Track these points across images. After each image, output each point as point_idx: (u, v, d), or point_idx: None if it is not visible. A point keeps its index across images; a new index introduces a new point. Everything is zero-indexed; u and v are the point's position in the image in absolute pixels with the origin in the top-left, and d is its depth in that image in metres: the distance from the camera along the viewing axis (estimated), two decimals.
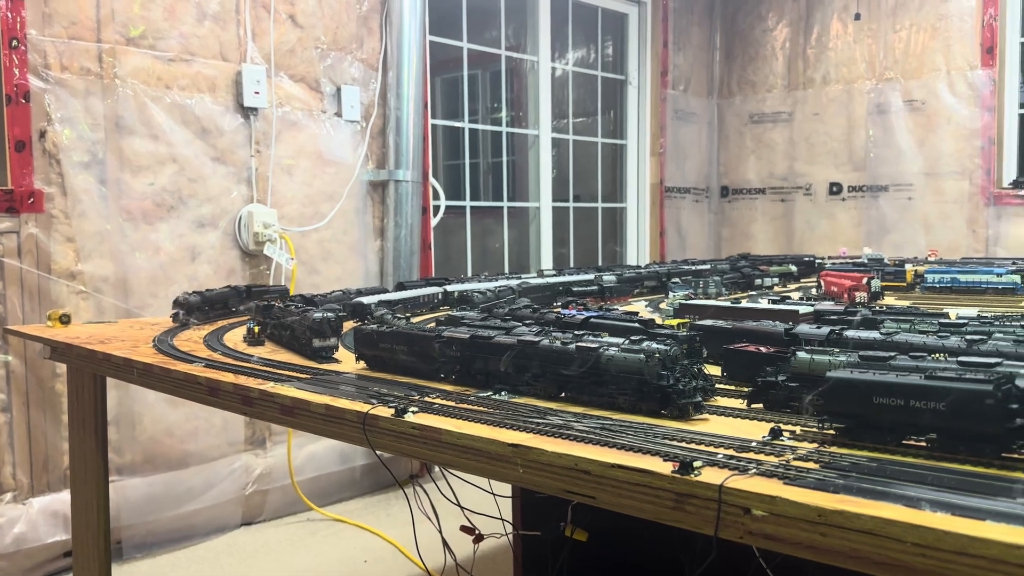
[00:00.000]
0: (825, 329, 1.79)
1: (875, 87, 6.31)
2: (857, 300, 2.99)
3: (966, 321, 1.82)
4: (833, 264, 4.42)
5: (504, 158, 6.00)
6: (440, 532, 2.77)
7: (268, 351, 2.27)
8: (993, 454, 1.19)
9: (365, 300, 2.59)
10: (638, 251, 6.75)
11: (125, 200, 3.94)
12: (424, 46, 5.04)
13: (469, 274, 5.22)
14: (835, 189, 6.56)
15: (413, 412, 1.49)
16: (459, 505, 2.51)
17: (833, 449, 1.28)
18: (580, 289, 3.36)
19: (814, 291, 3.49)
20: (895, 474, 1.13)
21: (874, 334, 1.70)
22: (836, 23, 6.50)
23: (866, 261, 4.33)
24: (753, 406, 1.56)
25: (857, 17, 6.30)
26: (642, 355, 1.52)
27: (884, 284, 3.59)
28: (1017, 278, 3.32)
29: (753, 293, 3.65)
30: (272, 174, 4.43)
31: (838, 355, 1.48)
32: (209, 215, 4.22)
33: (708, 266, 4.17)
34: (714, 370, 1.84)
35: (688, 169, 7.09)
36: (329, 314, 2.04)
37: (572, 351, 1.61)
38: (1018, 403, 1.16)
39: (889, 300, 3.36)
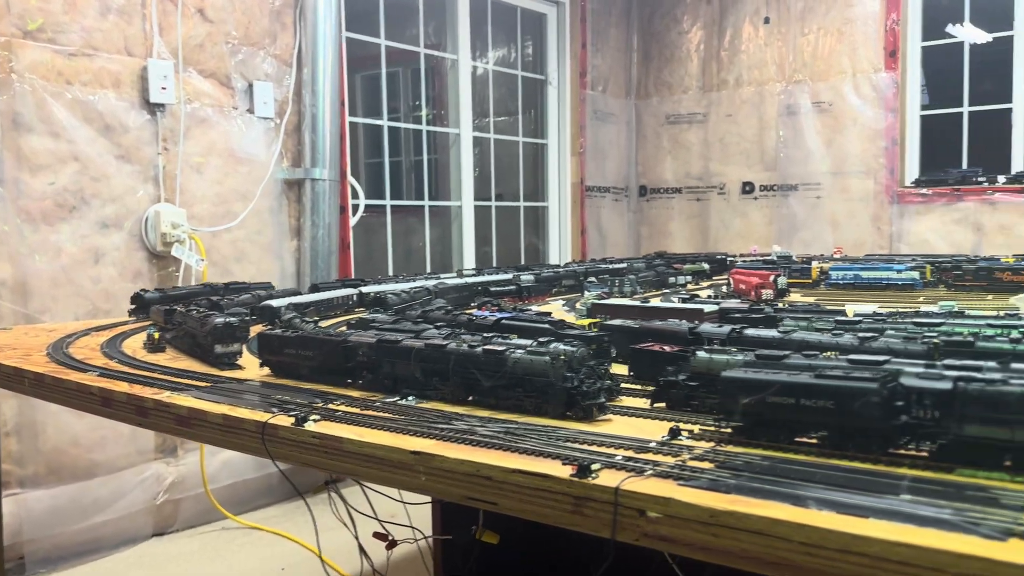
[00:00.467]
0: (727, 328, 1.83)
1: (785, 89, 6.51)
2: (763, 297, 3.07)
3: (860, 319, 1.88)
4: (744, 262, 4.54)
5: (425, 157, 5.96)
6: (356, 538, 2.73)
7: (169, 358, 2.19)
8: (880, 450, 1.23)
9: (274, 303, 2.53)
10: (560, 250, 6.80)
11: (24, 200, 3.75)
12: (340, 42, 4.95)
13: (391, 274, 5.16)
14: (748, 188, 6.74)
15: (314, 421, 1.46)
16: (373, 513, 2.47)
17: (729, 448, 1.30)
18: (498, 289, 3.35)
19: (724, 289, 3.56)
20: (786, 472, 1.16)
21: (772, 332, 1.74)
22: (748, 26, 6.67)
23: (775, 259, 4.45)
24: (656, 406, 1.58)
25: (766, 21, 6.49)
26: (548, 357, 1.52)
27: (790, 281, 3.70)
28: (916, 274, 3.46)
29: (667, 291, 3.71)
30: (181, 172, 4.29)
31: (735, 354, 1.51)
32: (113, 215, 4.06)
33: (625, 265, 4.22)
34: (623, 370, 1.86)
35: (608, 169, 7.18)
36: (232, 319, 1.98)
37: (479, 354, 1.60)
38: (903, 400, 1.20)
39: (795, 297, 3.46)
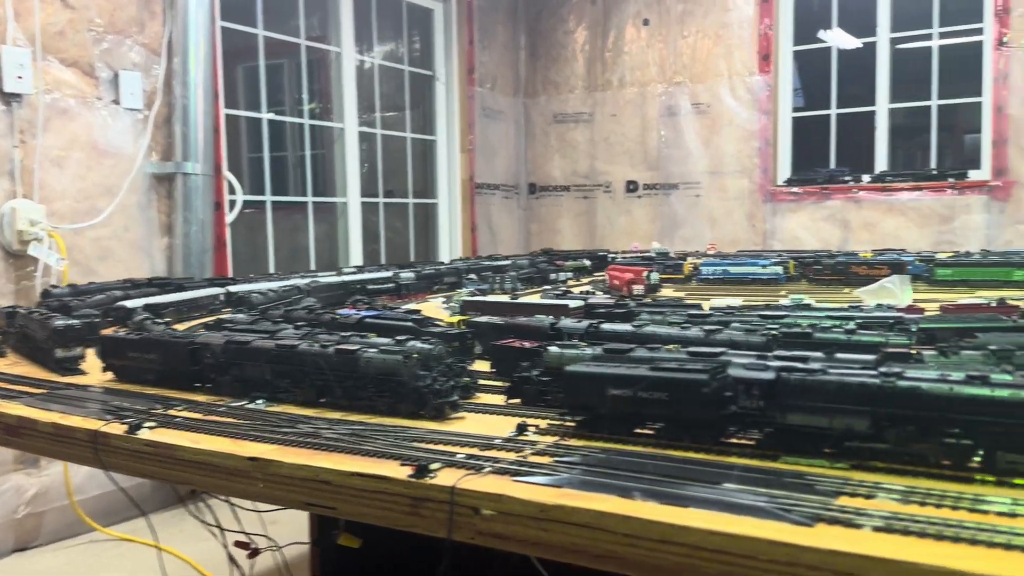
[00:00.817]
0: (585, 323, 1.85)
1: (666, 90, 6.69)
2: (634, 292, 3.14)
3: (711, 312, 1.94)
4: (624, 258, 4.63)
5: (307, 152, 5.81)
6: (226, 547, 2.63)
7: (8, 363, 2.04)
8: (712, 440, 1.27)
9: (129, 303, 2.40)
10: (451, 247, 6.77)
11: None
12: (214, 31, 4.76)
13: (273, 273, 5.01)
14: (632, 187, 6.89)
15: (149, 428, 1.39)
16: (236, 520, 2.39)
17: (571, 442, 1.31)
18: (376, 287, 3.30)
19: (603, 284, 3.62)
20: (619, 465, 1.18)
21: (627, 327, 1.78)
22: (631, 28, 6.82)
23: (653, 255, 4.57)
24: (511, 402, 1.59)
25: (646, 23, 6.65)
26: (400, 356, 1.50)
27: (665, 277, 3.80)
28: (780, 269, 3.62)
29: (548, 288, 3.74)
30: (39, 167, 4.02)
31: (585, 349, 1.53)
32: None
33: (509, 262, 4.23)
34: (487, 366, 1.85)
35: (498, 166, 7.20)
36: (74, 321, 1.87)
37: (331, 355, 1.56)
38: (732, 391, 1.24)
39: (667, 292, 3.55)
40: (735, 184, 6.48)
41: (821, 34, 6.54)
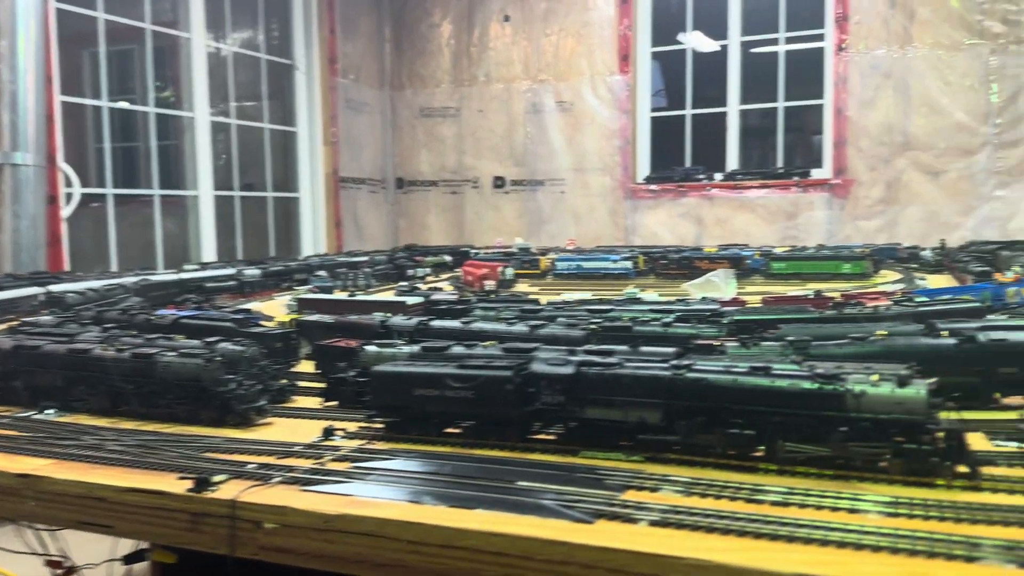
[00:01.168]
0: (415, 320, 1.81)
1: (531, 87, 6.74)
2: (485, 288, 3.13)
3: (542, 307, 1.94)
4: (485, 254, 4.63)
5: (153, 142, 5.49)
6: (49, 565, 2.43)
7: None
8: (517, 437, 1.25)
9: None
10: (314, 242, 6.58)
11: None
12: (47, 13, 4.42)
13: (114, 271, 4.71)
14: (499, 183, 6.91)
15: None
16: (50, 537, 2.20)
17: (379, 445, 1.27)
18: (216, 286, 3.14)
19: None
20: (417, 468, 1.14)
21: (456, 323, 1.75)
22: (495, 24, 6.83)
23: (515, 251, 4.59)
24: (328, 404, 1.52)
25: (506, 19, 6.68)
26: (201, 360, 1.41)
27: (522, 272, 3.82)
28: (629, 264, 3.70)
29: (404, 284, 3.68)
30: None
31: (402, 347, 1.48)
32: None
33: (366, 258, 4.15)
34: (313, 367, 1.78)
35: (364, 160, 7.05)
36: None
37: (127, 360, 1.45)
38: (535, 387, 1.23)
39: (523, 287, 3.57)
40: (598, 181, 6.61)
41: (681, 36, 6.75)
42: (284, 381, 1.59)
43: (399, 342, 1.50)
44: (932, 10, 5.78)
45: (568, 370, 1.19)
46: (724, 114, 6.60)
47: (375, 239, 7.11)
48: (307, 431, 1.35)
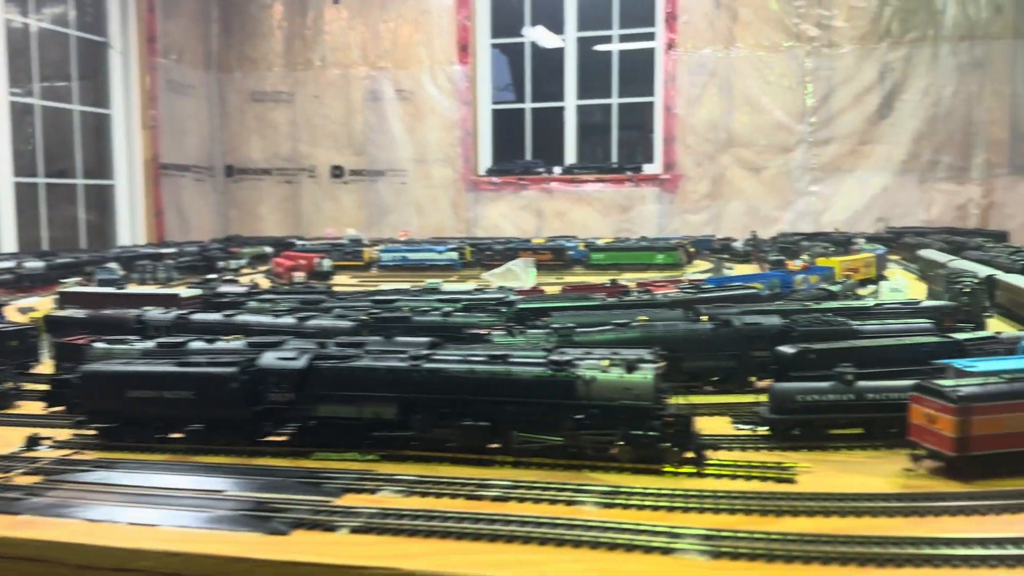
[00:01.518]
0: (173, 313, 1.66)
1: (369, 74, 6.57)
2: (294, 280, 2.98)
3: (324, 298, 1.84)
4: (312, 245, 4.46)
5: None
6: None
7: None
8: (248, 440, 1.14)
9: None
10: (132, 233, 6.12)
11: None
12: None
13: None
14: (337, 172, 6.70)
15: None
16: None
17: (88, 455, 1.12)
18: None
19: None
20: (114, 481, 1.01)
21: (217, 317, 1.61)
22: (331, 7, 6.60)
23: (346, 242, 4.44)
24: (52, 410, 1.35)
25: (335, 1, 6.48)
26: None
27: (343, 264, 3.68)
28: (455, 255, 3.65)
29: (212, 276, 3.46)
30: None
31: (135, 344, 1.34)
32: None
33: (174, 249, 3.88)
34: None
35: (188, 146, 6.65)
36: None
37: None
38: (264, 385, 1.12)
39: (343, 279, 3.44)
40: (440, 172, 6.54)
41: (525, 31, 6.77)
42: (10, 384, 1.40)
43: (133, 338, 1.35)
44: (753, 12, 6.07)
45: (298, 364, 1.09)
46: (562, 109, 6.68)
47: (202, 229, 6.72)
48: (13, 441, 1.18)
